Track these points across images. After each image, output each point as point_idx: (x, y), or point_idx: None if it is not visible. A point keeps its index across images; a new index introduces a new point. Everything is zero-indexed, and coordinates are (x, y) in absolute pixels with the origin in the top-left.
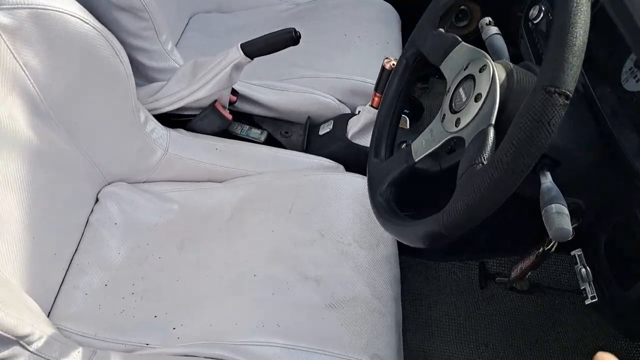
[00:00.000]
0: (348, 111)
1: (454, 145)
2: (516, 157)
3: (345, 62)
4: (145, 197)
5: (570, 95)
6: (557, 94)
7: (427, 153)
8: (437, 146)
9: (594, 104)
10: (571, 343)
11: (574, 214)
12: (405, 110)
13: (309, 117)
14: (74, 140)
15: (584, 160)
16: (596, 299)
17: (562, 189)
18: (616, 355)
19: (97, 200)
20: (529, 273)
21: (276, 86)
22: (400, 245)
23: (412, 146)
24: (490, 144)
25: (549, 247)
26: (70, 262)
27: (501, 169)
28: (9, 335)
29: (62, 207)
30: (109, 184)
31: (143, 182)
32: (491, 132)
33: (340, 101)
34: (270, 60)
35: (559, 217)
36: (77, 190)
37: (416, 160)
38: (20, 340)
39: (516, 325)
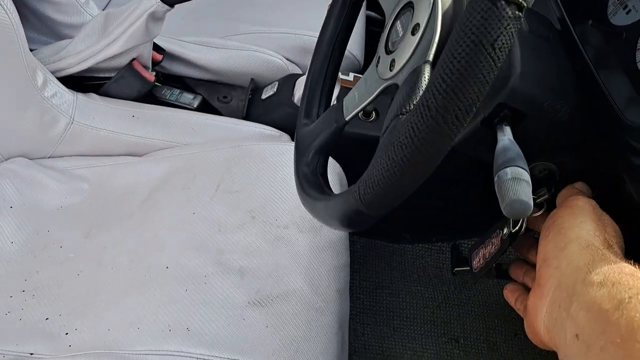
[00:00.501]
0: (298, 71)
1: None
2: (448, 98)
3: (296, 16)
4: (48, 175)
5: (525, 4)
6: (504, 2)
7: (359, 108)
8: (370, 98)
9: (573, 43)
10: None
11: (543, 182)
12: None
13: (252, 79)
14: None
15: (557, 111)
16: None
17: (528, 149)
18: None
19: None
20: (494, 261)
21: (213, 43)
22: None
23: (343, 101)
24: (424, 86)
25: (518, 227)
26: None
27: (428, 117)
28: None
29: None
30: (5, 160)
31: (47, 158)
32: (426, 71)
33: (289, 60)
34: (209, 15)
35: (515, 185)
36: None
37: (347, 118)
38: None
39: (492, 316)
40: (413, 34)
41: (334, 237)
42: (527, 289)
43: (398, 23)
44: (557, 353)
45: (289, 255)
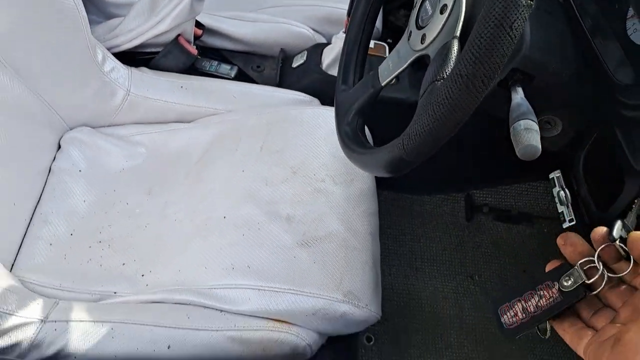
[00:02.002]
0: (323, 41)
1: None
2: (476, 68)
3: None
4: (110, 142)
5: None
6: None
7: (394, 75)
8: (403, 67)
9: (573, 15)
10: None
11: (550, 130)
12: (389, 40)
13: (282, 49)
14: (28, 82)
15: (561, 74)
16: (574, 222)
17: (537, 106)
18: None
19: (59, 147)
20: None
21: (246, 17)
22: (383, 181)
23: (378, 69)
24: (454, 57)
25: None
26: (33, 213)
27: (460, 83)
28: None
29: (20, 154)
30: (70, 129)
31: (107, 127)
32: (455, 45)
33: (315, 31)
34: None
35: (527, 134)
36: (36, 136)
37: (383, 83)
38: None
39: (503, 255)
40: (441, 13)
41: (364, 187)
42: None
43: (427, 2)
44: None
45: (327, 203)
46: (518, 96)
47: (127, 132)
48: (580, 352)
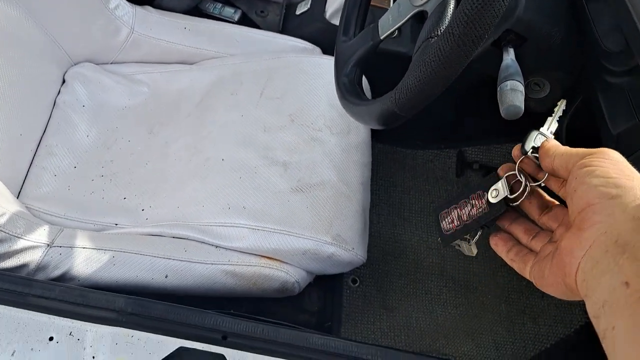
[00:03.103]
0: None
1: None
2: (468, 27)
3: None
4: (113, 79)
5: None
6: None
7: (393, 29)
8: (403, 21)
9: None
10: None
11: (538, 92)
12: None
13: None
14: (34, 17)
15: (552, 36)
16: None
17: (527, 67)
18: None
19: (64, 81)
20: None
21: None
22: (378, 133)
23: (379, 22)
24: (449, 15)
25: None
26: (39, 144)
27: (452, 41)
28: None
29: (26, 87)
30: (75, 64)
31: (110, 64)
32: (452, 3)
33: None
34: None
35: (512, 94)
36: (41, 70)
37: (382, 37)
38: None
39: None
40: None
41: (360, 139)
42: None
43: None
44: (585, 299)
45: (322, 152)
46: (509, 57)
47: (130, 71)
48: (527, 275)
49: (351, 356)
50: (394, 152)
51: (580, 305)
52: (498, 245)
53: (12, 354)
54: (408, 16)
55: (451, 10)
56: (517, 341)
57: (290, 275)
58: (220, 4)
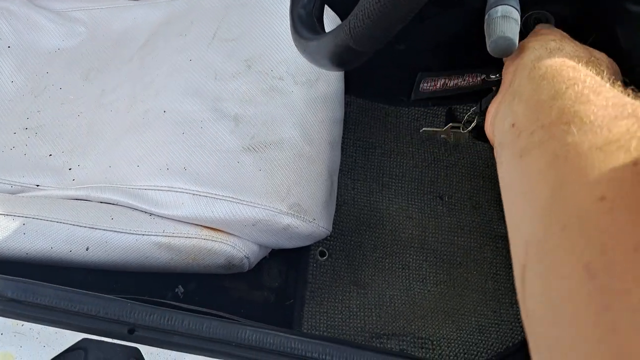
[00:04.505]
0: None
1: None
2: None
3: None
4: (45, 16)
5: None
6: None
7: None
8: None
9: None
10: None
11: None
12: None
13: None
14: None
15: None
16: None
17: None
18: None
19: None
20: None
21: None
22: (355, 86)
23: None
24: None
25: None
26: None
27: None
28: None
29: None
30: None
31: None
32: None
33: None
34: None
35: (504, 23)
36: None
37: None
38: None
39: (479, 177)
40: None
41: (329, 91)
42: None
43: None
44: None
45: (283, 105)
46: None
47: (65, 7)
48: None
49: (295, 355)
50: (375, 109)
51: None
52: None
53: None
54: None
55: None
56: (503, 323)
57: (237, 249)
58: None
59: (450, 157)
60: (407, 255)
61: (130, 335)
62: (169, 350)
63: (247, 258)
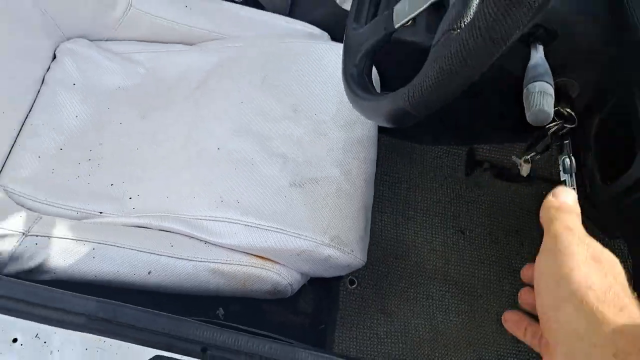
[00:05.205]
0: None
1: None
2: (497, 21)
3: None
4: (107, 57)
5: None
6: None
7: (409, 17)
8: (421, 9)
9: None
10: None
11: (564, 96)
12: None
13: None
14: None
15: (587, 32)
16: (574, 189)
17: (556, 66)
18: None
19: (54, 57)
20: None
21: None
22: (390, 128)
23: (394, 9)
24: (475, 5)
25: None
26: (23, 123)
27: (477, 36)
28: None
29: (12, 61)
30: (67, 40)
31: (106, 41)
32: None
33: None
34: None
35: (541, 97)
36: (30, 44)
37: (397, 26)
38: None
39: (498, 213)
40: None
41: (365, 134)
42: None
43: None
44: None
45: (325, 146)
46: (537, 55)
47: (126, 49)
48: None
49: None
50: (401, 147)
51: None
52: (513, 329)
53: None
54: (427, 4)
55: (475, 2)
56: (521, 354)
57: (282, 277)
58: None
59: (471, 194)
60: (431, 286)
61: (202, 353)
62: None
63: (291, 285)
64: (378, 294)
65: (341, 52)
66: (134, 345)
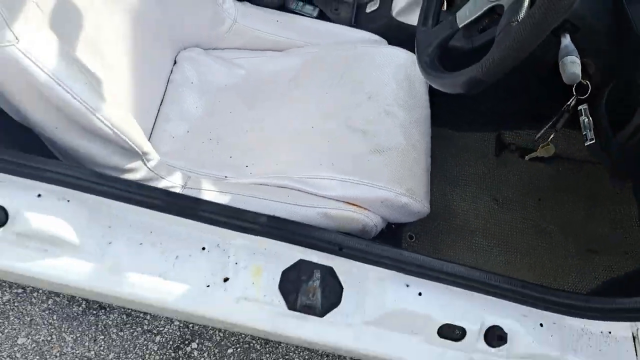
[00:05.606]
0: None
1: (486, 24)
2: (546, 12)
3: None
4: (216, 62)
5: None
6: None
7: (469, 20)
8: (479, 13)
9: None
10: (568, 203)
11: (584, 71)
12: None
13: None
14: (159, 4)
15: (599, 27)
16: (593, 141)
17: (578, 50)
18: None
19: (175, 62)
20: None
21: None
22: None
23: (456, 15)
24: (525, 6)
25: (569, 102)
26: (158, 112)
27: (532, 25)
28: (137, 149)
29: (149, 66)
30: (185, 49)
31: (214, 49)
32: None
33: None
34: None
35: (572, 65)
36: (161, 53)
37: (460, 25)
38: (143, 156)
39: (523, 186)
40: None
41: (423, 113)
42: None
43: None
44: None
45: (394, 123)
46: (567, 40)
47: (230, 56)
48: None
49: (435, 269)
50: (442, 133)
51: None
52: None
53: (176, 258)
54: (484, 9)
55: (526, 4)
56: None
57: (370, 219)
58: (302, 2)
59: (500, 170)
60: (474, 240)
61: (339, 251)
62: (358, 262)
63: (376, 226)
64: (432, 246)
65: (398, 53)
66: (286, 250)
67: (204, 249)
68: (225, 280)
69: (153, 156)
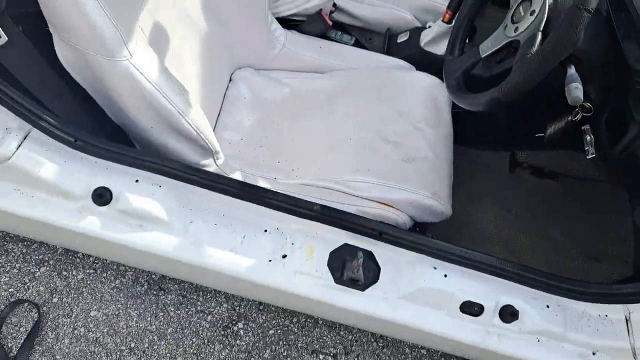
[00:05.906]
0: (419, 25)
1: (503, 56)
2: (556, 46)
3: None
4: (267, 81)
5: (592, 10)
6: (583, 10)
7: (491, 51)
8: (499, 46)
9: (611, 24)
10: (574, 215)
11: (587, 95)
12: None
13: (388, 28)
14: (223, 30)
15: (599, 60)
16: (594, 155)
17: (582, 78)
18: None
19: (231, 79)
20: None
21: (366, 1)
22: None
23: (480, 47)
24: (538, 42)
25: (575, 117)
26: (217, 121)
27: (543, 56)
28: (212, 148)
29: (212, 85)
30: (240, 68)
31: (264, 70)
32: (539, 36)
33: (414, 17)
34: None
35: (576, 90)
36: (220, 70)
37: (483, 55)
38: (214, 155)
39: (534, 199)
40: (531, 15)
41: (446, 131)
42: None
43: (520, 7)
44: None
45: (421, 137)
46: (572, 70)
47: (278, 76)
48: None
49: (461, 256)
50: (461, 150)
51: None
52: None
53: (244, 237)
54: (503, 43)
55: (539, 39)
56: None
57: (400, 217)
58: (340, 32)
59: (513, 185)
60: (488, 245)
61: (379, 236)
62: (395, 247)
63: (405, 224)
64: None
65: (426, 78)
66: (334, 235)
67: (266, 231)
68: (284, 257)
69: (221, 156)
